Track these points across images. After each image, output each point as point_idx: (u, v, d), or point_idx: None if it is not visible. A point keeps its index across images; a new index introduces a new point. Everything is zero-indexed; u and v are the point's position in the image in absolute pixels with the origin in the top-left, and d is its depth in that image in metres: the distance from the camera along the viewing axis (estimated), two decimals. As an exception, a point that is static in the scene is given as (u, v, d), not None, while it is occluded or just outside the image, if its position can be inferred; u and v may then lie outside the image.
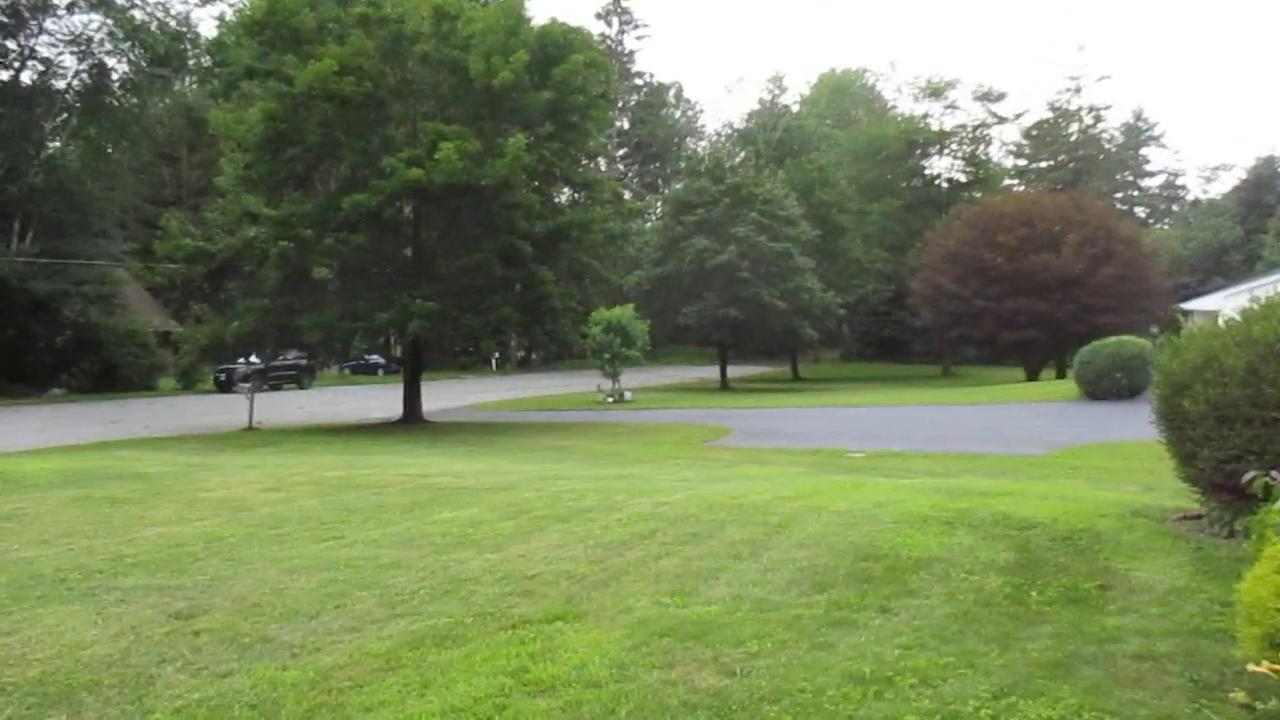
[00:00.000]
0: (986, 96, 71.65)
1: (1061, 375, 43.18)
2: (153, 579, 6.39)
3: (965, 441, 19.44)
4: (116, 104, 43.48)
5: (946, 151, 71.03)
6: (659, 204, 63.91)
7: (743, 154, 69.66)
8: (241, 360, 37.97)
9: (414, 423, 26.63)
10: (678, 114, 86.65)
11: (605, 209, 28.38)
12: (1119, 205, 71.65)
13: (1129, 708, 3.89)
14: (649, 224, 58.27)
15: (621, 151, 79.04)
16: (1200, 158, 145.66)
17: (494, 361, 59.94)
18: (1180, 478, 7.74)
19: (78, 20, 40.61)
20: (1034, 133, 76.44)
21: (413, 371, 28.10)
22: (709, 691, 4.14)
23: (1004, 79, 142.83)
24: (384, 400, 33.50)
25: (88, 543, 7.72)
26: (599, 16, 76.09)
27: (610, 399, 34.07)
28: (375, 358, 56.88)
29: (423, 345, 28.04)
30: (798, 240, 48.37)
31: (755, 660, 4.54)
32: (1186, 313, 29.50)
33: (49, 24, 40.48)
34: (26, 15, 39.55)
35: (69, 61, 41.88)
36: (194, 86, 51.84)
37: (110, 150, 45.73)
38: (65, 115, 43.15)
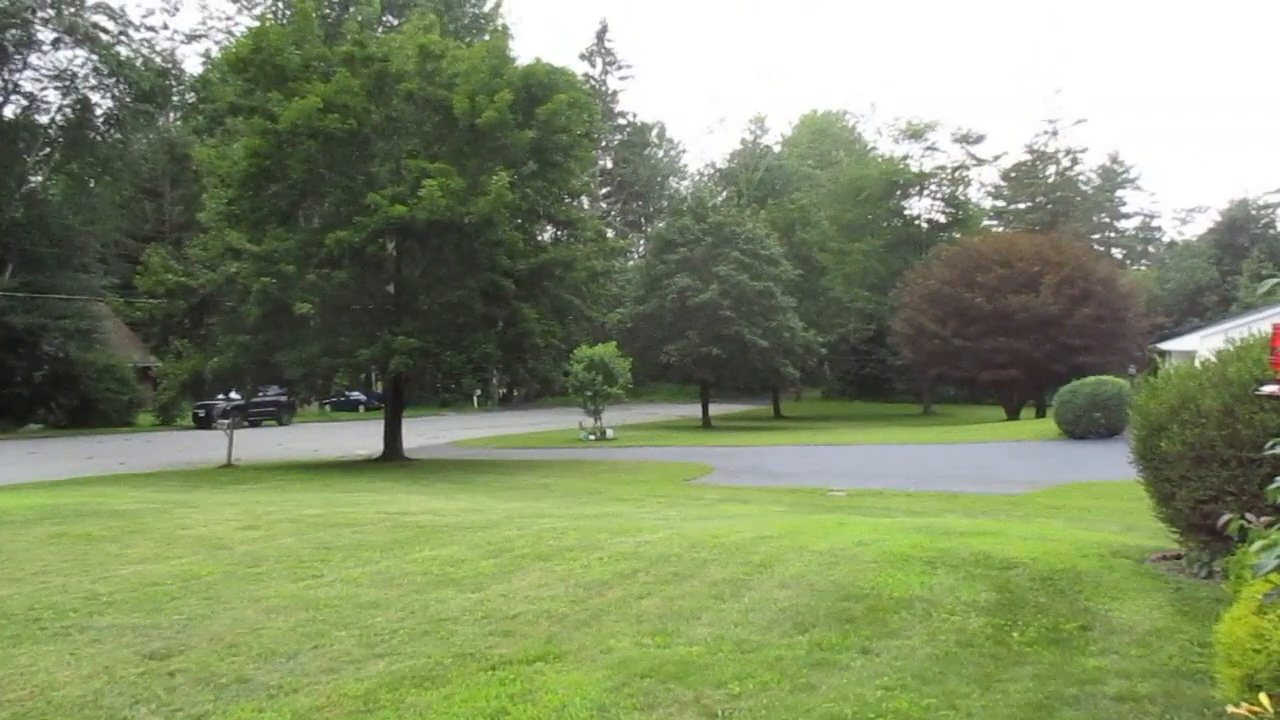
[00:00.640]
0: (966, 139, 72.47)
1: (1041, 414, 43.39)
2: (128, 618, 6.32)
3: (946, 480, 19.49)
4: (100, 139, 43.49)
5: (926, 192, 71.67)
6: (641, 242, 64.19)
7: (725, 193, 70.12)
8: (221, 396, 37.77)
9: (395, 460, 26.49)
10: (660, 153, 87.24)
11: (588, 247, 28.49)
12: (1096, 246, 72.37)
13: (1110, 749, 3.89)
14: (631, 262, 58.53)
15: (604, 190, 79.43)
16: (1175, 200, 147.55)
17: (476, 398, 59.76)
18: (1159, 518, 7.79)
19: (63, 56, 40.73)
20: (1012, 174, 77.29)
21: (394, 408, 27.99)
22: (690, 733, 4.12)
23: (983, 121, 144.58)
24: (365, 437, 33.34)
25: (62, 581, 7.63)
26: (583, 57, 76.81)
27: (592, 436, 34.01)
28: (356, 394, 56.67)
29: (404, 382, 27.96)
30: (779, 279, 48.63)
31: (737, 702, 4.52)
32: (1163, 353, 29.73)
33: (33, 59, 40.57)
34: (11, 50, 39.58)
35: (53, 96, 41.97)
36: (178, 122, 52.00)
37: (93, 185, 45.67)
38: (48, 150, 43.10)
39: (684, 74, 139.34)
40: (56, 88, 41.53)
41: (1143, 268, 78.03)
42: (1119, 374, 32.22)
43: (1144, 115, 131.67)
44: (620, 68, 78.73)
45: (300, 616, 6.31)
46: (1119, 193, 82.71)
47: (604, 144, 74.37)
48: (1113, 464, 14.95)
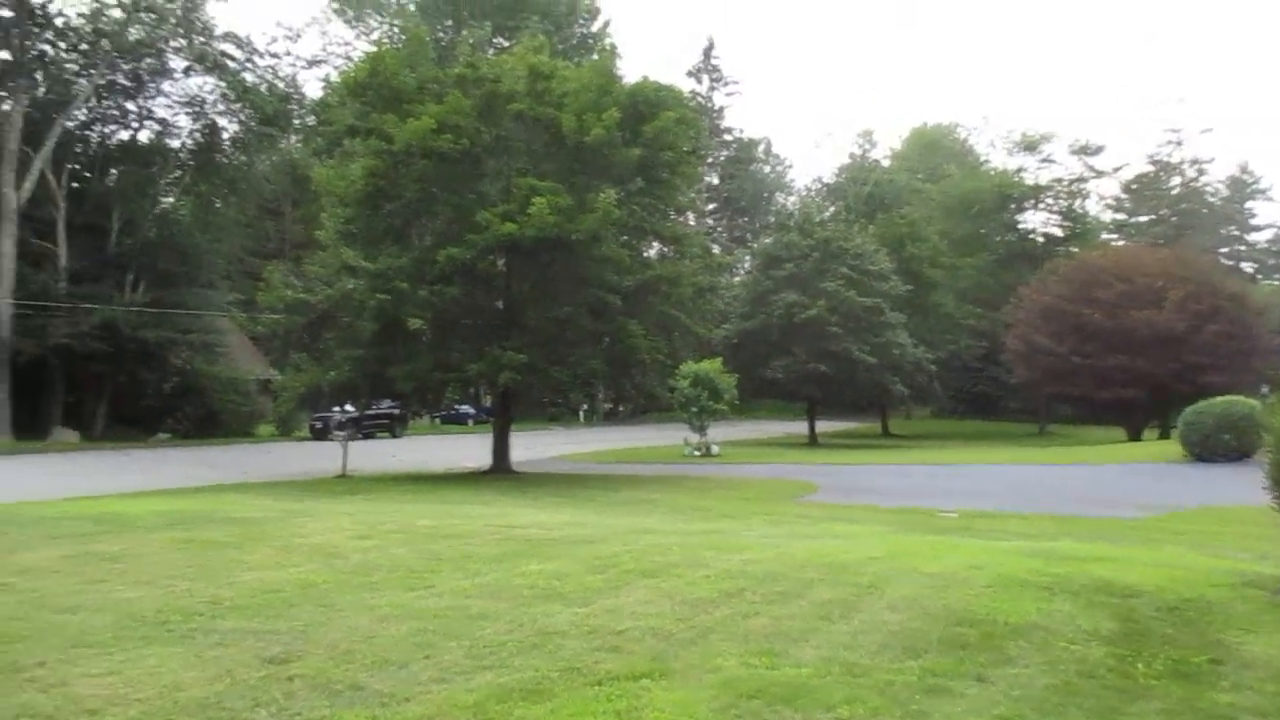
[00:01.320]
0: (1084, 150, 70.29)
1: (1165, 435, 41.66)
2: (249, 623, 6.53)
3: (1062, 503, 18.85)
4: (226, 161, 45.52)
5: (1041, 206, 69.70)
6: (747, 258, 63.96)
7: (832, 208, 69.51)
8: (336, 409, 38.95)
9: (502, 473, 26.88)
10: (767, 169, 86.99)
11: (694, 263, 28.54)
12: (1224, 261, 69.32)
13: (1245, 792, 3.69)
14: (737, 278, 58.34)
15: (710, 206, 79.53)
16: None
17: (581, 413, 60.29)
18: (1296, 546, 7.39)
19: (193, 83, 42.77)
20: (1133, 187, 74.66)
21: (502, 422, 28.43)
22: (799, 757, 4.05)
23: (1102, 133, 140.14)
24: (473, 450, 33.92)
25: (188, 585, 7.93)
26: (690, 74, 77.11)
27: (697, 452, 33.95)
28: (465, 408, 57.79)
29: (512, 396, 28.39)
30: (888, 295, 47.88)
31: (846, 726, 4.43)
32: (1300, 373, 28.31)
33: (166, 86, 42.69)
34: (146, 79, 41.73)
35: (184, 121, 44.09)
36: (298, 144, 54.03)
37: (219, 205, 47.77)
38: (179, 172, 45.26)
39: (790, 89, 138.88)
40: (187, 113, 43.68)
41: (1277, 282, 74.35)
42: (1249, 394, 30.73)
43: (1274, 124, 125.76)
44: (726, 83, 78.82)
45: (411, 626, 6.43)
46: (1249, 204, 79.18)
47: (710, 160, 74.47)
48: (1243, 488, 14.23)
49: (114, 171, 43.81)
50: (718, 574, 8.12)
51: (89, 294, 38.07)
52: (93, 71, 40.31)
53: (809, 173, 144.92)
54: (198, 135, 44.35)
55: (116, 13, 39.79)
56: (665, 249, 30.48)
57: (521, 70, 25.31)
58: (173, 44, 41.11)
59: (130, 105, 42.96)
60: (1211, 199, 76.45)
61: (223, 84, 42.64)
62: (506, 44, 48.40)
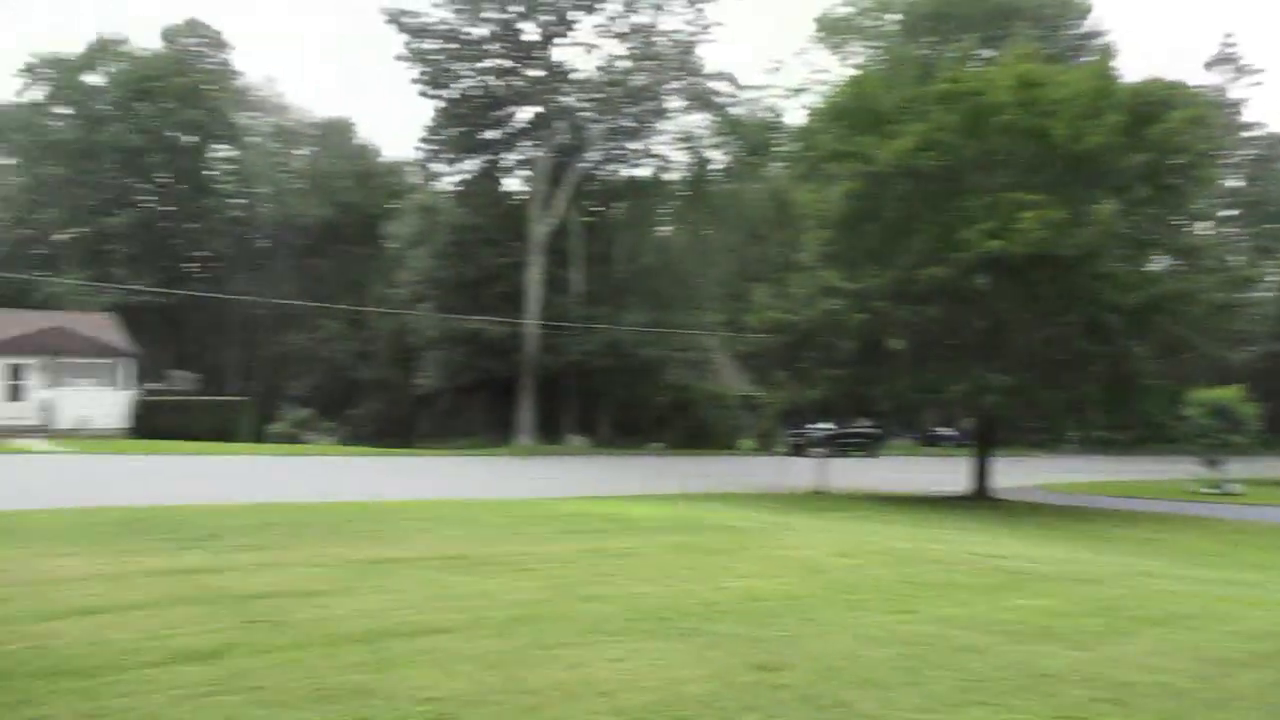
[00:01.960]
0: None
1: None
2: (738, 628, 6.84)
3: None
4: (715, 190, 48.66)
5: None
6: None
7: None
8: (814, 425, 39.86)
9: (982, 500, 25.80)
10: (1304, 168, 75.11)
11: (1209, 277, 25.43)
12: None
13: None
14: (1267, 294, 51.04)
15: (1231, 212, 70.38)
16: None
17: (1069, 440, 56.08)
18: None
19: (687, 120, 46.32)
20: None
21: (983, 446, 27.30)
22: None
23: None
24: (949, 474, 32.90)
25: (685, 586, 8.50)
26: (1207, 66, 68.98)
27: (1210, 490, 30.11)
28: (944, 430, 56.29)
29: (994, 420, 27.16)
30: None
31: None
32: None
33: (664, 125, 46.65)
34: (648, 120, 45.96)
35: (678, 156, 47.88)
36: (782, 170, 56.24)
37: (709, 232, 51.16)
38: (674, 203, 49.25)
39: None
40: (682, 148, 47.39)
41: None
42: None
43: None
44: (1248, 74, 69.43)
45: (895, 650, 6.34)
46: None
47: (1230, 160, 65.94)
48: None
49: (620, 205, 48.73)
50: (1245, 633, 7.12)
51: (598, 315, 42.57)
52: (605, 117, 45.17)
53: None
54: (690, 168, 47.92)
55: (625, 63, 44.28)
56: (1175, 262, 27.48)
57: (1009, 80, 24.22)
58: (670, 86, 44.87)
59: (634, 145, 47.52)
60: None
61: (713, 119, 45.72)
62: (992, 54, 46.71)
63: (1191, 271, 25.94)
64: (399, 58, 43.11)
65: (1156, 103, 23.19)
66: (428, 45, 42.92)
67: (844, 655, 6.16)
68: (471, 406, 45.93)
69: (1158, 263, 27.62)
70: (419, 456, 36.44)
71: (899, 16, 51.64)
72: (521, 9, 42.44)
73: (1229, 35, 69.66)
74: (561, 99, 45.02)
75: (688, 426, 45.85)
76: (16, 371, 38.78)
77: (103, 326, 43.25)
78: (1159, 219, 24.46)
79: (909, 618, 7.44)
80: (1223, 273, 26.68)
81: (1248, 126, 70.81)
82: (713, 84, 45.09)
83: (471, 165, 46.40)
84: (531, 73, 44.44)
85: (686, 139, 46.82)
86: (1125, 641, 6.80)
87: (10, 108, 65.55)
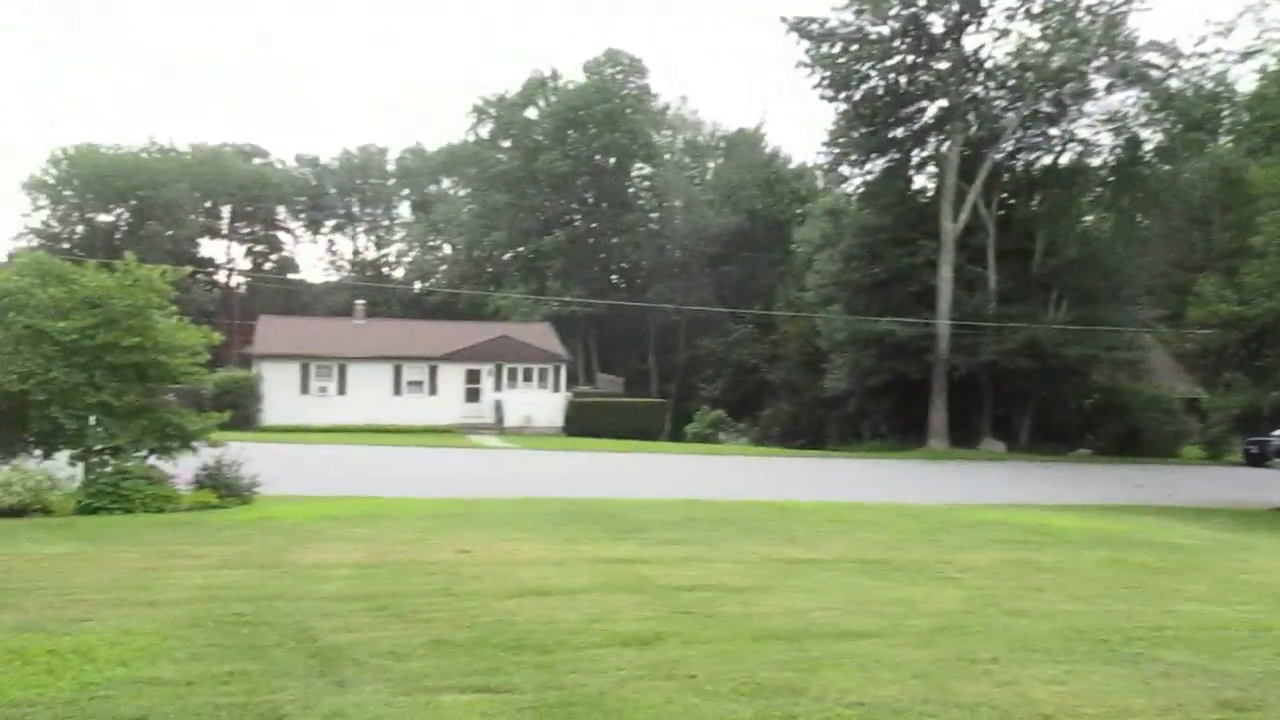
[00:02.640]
0: None
1: None
2: (1196, 658, 6.15)
3: None
4: (1148, 173, 44.23)
5: None
6: None
7: None
8: (1277, 433, 35.06)
9: None
10: None
11: None
12: None
13: None
14: None
15: None
16: None
17: None
18: None
19: (1114, 99, 42.48)
20: None
21: None
22: None
23: None
24: None
25: (1125, 607, 7.81)
26: None
27: None
28: None
29: None
30: None
31: None
32: None
33: (1087, 107, 43.13)
34: (1068, 103, 42.73)
35: (1104, 139, 44.06)
36: (1229, 145, 49.95)
37: (1140, 219, 46.65)
38: (1099, 190, 45.42)
39: None
40: (1108, 130, 43.53)
41: None
42: None
43: None
44: None
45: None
46: None
47: None
48: None
49: (1037, 196, 45.80)
50: None
51: (1015, 314, 40.34)
52: (1019, 104, 42.67)
53: None
54: (1118, 151, 43.96)
55: (1040, 45, 41.53)
56: None
57: None
58: (1094, 64, 41.40)
59: (1053, 131, 44.46)
60: None
61: (1145, 95, 41.60)
62: None
63: None
64: (800, 64, 43.57)
65: None
66: (830, 50, 42.99)
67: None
68: (880, 409, 45.34)
69: None
70: (829, 459, 36.65)
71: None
72: (928, 1, 41.27)
73: None
74: (972, 89, 43.21)
75: (1118, 432, 42.15)
76: (474, 376, 44.03)
77: (541, 335, 47.95)
78: None
79: None
80: None
81: None
82: (1145, 56, 40.96)
83: (878, 165, 45.83)
84: (939, 65, 43.07)
85: (1113, 120, 42.97)
86: None
87: (462, 145, 74.91)
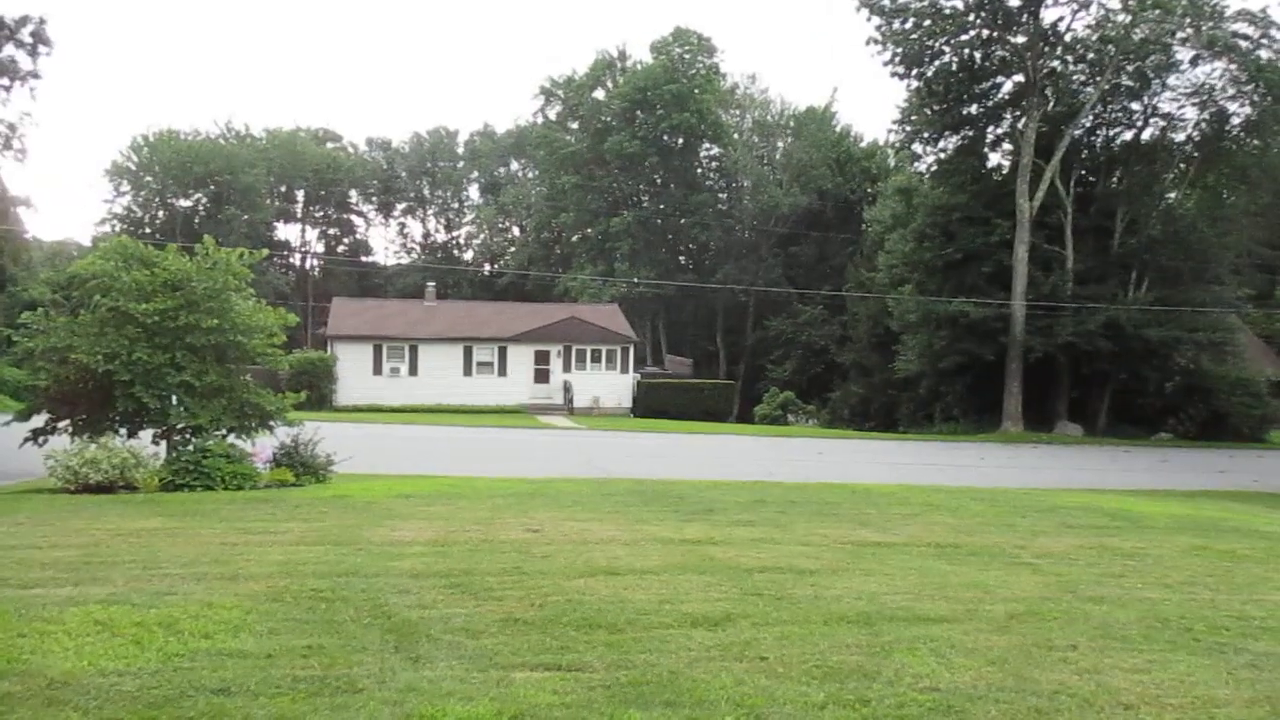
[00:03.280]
0: None
1: None
2: (1286, 648, 5.96)
3: None
4: (1235, 148, 42.66)
5: None
6: None
7: None
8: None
9: None
10: None
11: None
12: None
13: None
14: None
15: None
16: None
17: None
18: None
19: (1200, 72, 41.01)
20: None
21: None
22: None
23: None
24: None
25: (1210, 595, 7.59)
26: None
27: None
28: None
29: None
30: None
31: None
32: None
33: (1171, 80, 41.71)
34: (1151, 76, 41.36)
35: (1189, 113, 42.60)
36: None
37: (1226, 196, 45.04)
38: (1183, 165, 43.95)
39: None
40: (1192, 104, 42.07)
41: None
42: None
43: None
44: None
45: None
46: None
47: None
48: None
49: (1117, 173, 44.46)
50: None
51: (1093, 294, 39.32)
52: (1098, 78, 41.43)
53: None
54: (1203, 125, 42.47)
55: (1121, 17, 40.24)
56: None
57: None
58: (1179, 35, 39.97)
59: (1134, 105, 43.11)
60: None
61: (1233, 67, 40.06)
62: None
63: None
64: (870, 40, 42.77)
65: None
66: (902, 25, 42.12)
67: None
68: (953, 391, 44.52)
69: None
70: (901, 441, 36.21)
71: None
72: (1005, -27, 40.23)
73: None
74: (1050, 64, 42.02)
75: (1200, 416, 40.90)
76: (543, 357, 44.32)
77: (610, 316, 48.05)
78: None
79: None
80: None
81: None
82: (1233, 26, 39.40)
83: (951, 143, 44.89)
84: (1016, 39, 41.95)
85: (1198, 93, 41.48)
86: None
87: (530, 127, 75.26)
